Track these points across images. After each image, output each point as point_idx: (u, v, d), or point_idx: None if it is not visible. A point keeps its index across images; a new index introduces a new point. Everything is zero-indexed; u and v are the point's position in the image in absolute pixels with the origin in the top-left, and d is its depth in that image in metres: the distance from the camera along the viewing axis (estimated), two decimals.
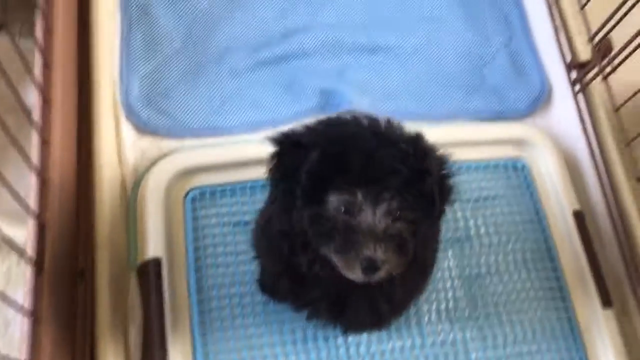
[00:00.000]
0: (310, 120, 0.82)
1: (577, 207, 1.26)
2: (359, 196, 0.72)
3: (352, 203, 0.72)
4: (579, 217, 1.24)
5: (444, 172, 0.78)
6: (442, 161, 0.78)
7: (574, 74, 1.39)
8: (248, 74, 1.33)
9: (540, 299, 1.20)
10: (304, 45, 1.37)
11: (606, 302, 1.18)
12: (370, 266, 0.71)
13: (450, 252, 1.21)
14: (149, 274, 1.09)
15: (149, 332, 1.06)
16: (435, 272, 1.18)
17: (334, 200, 0.73)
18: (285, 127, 0.82)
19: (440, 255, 1.20)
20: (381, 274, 0.73)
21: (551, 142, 1.31)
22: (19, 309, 0.87)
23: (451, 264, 1.20)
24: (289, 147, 0.77)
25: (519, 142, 1.32)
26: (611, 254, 1.26)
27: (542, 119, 1.38)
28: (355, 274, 0.73)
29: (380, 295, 0.86)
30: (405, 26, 1.45)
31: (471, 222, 1.25)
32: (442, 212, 0.78)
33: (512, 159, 1.32)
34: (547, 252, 1.24)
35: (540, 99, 1.39)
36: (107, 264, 1.08)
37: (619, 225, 1.27)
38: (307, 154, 0.73)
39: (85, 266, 1.09)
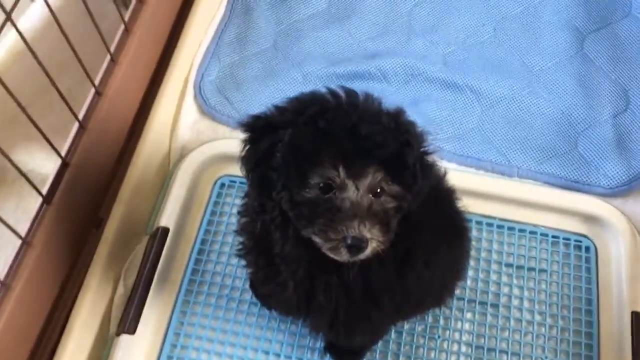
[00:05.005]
0: None
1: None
2: (342, 172, 0.68)
3: (334, 180, 0.68)
4: (639, 320, 1.03)
5: (422, 149, 0.74)
6: (421, 138, 0.73)
7: None
8: (319, 83, 1.32)
9: None
10: (383, 69, 1.33)
11: None
12: (356, 245, 0.67)
13: (468, 314, 1.07)
14: (154, 240, 1.11)
15: (133, 294, 1.06)
16: (442, 328, 1.05)
17: (316, 178, 0.69)
18: None
19: (455, 314, 1.07)
20: (367, 253, 0.68)
21: (632, 230, 1.12)
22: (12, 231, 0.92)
23: (465, 326, 1.06)
24: (261, 131, 0.73)
25: (591, 219, 1.14)
26: None
27: (635, 202, 1.18)
28: (340, 255, 0.68)
29: (354, 277, 0.77)
30: (503, 71, 1.35)
31: (505, 289, 1.09)
32: (421, 188, 0.72)
33: (578, 235, 1.14)
34: (587, 349, 1.04)
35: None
36: (118, 219, 1.11)
37: None
38: (281, 136, 0.70)
39: (105, 218, 1.14)
